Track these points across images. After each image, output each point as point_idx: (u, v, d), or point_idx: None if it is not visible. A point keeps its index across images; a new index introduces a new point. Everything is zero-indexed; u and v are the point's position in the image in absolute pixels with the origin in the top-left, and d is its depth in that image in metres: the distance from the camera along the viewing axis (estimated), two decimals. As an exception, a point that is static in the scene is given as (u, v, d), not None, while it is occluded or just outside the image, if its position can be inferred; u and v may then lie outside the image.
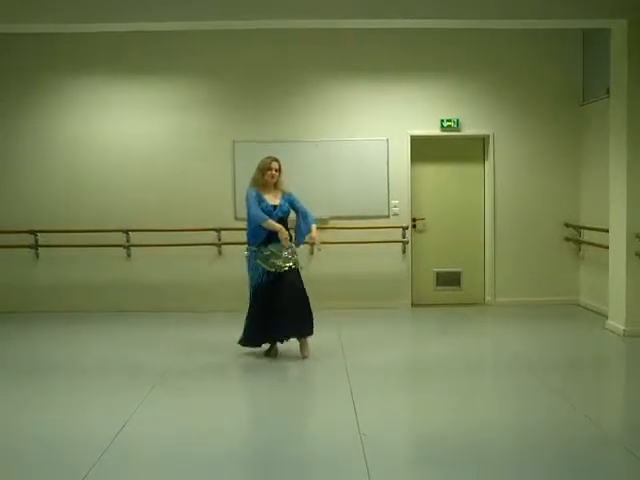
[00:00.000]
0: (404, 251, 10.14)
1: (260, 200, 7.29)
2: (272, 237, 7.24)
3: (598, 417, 5.42)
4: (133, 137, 10.07)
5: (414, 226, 10.29)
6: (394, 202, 10.11)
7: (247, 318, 7.38)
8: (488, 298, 10.35)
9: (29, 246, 9.99)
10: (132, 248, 10.03)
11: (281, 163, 7.42)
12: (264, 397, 6.26)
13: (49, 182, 10.02)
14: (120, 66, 10.01)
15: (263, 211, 7.24)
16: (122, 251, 10.03)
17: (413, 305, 10.23)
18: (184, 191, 10.03)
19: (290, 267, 7.25)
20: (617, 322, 8.25)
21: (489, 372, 7.01)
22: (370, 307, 9.91)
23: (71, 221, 9.88)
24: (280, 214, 7.30)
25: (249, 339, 7.36)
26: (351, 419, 5.38)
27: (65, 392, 6.33)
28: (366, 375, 6.72)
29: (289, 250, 7.28)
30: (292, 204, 7.45)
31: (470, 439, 5.07)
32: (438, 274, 10.43)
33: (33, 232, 9.94)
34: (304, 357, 7.30)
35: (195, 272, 10.05)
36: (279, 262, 7.21)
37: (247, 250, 7.40)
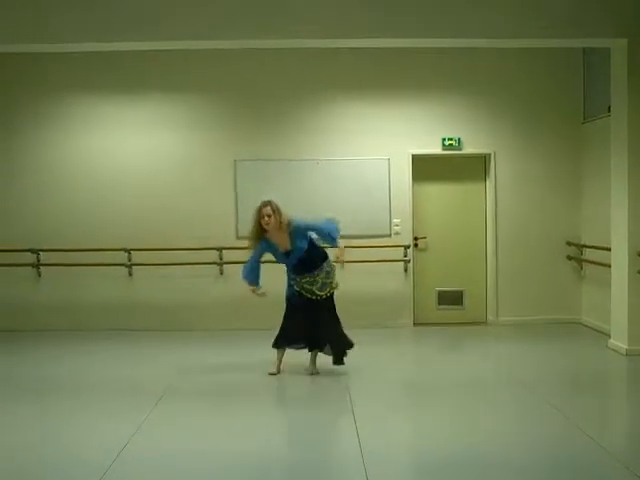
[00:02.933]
0: (406, 270, 10.13)
1: (273, 249, 7.27)
2: (302, 270, 7.24)
3: (600, 436, 5.37)
4: (134, 156, 10.09)
5: (416, 245, 10.28)
6: (395, 221, 10.11)
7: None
8: (490, 317, 10.31)
9: (31, 265, 9.99)
10: (134, 267, 10.03)
11: (275, 205, 7.18)
12: (265, 416, 6.22)
13: (51, 201, 10.05)
14: (121, 84, 10.05)
15: (279, 259, 7.28)
16: (124, 270, 10.03)
17: (415, 324, 10.20)
18: (186, 210, 10.04)
19: (326, 295, 7.27)
20: (620, 341, 8.22)
21: (491, 391, 6.97)
22: (372, 326, 9.87)
23: (73, 240, 9.88)
24: (296, 258, 7.19)
25: (276, 340, 7.41)
26: (353, 438, 5.35)
27: (67, 411, 6.28)
28: (368, 394, 6.70)
29: (328, 271, 7.26)
30: (304, 232, 7.23)
31: (471, 458, 5.04)
32: (440, 293, 10.41)
33: (35, 251, 9.95)
34: (311, 373, 7.38)
35: (196, 291, 10.03)
36: (314, 288, 7.22)
37: None
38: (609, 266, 8.54)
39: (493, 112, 10.14)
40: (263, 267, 7.35)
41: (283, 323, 7.42)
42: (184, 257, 9.84)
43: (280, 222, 7.16)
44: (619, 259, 8.23)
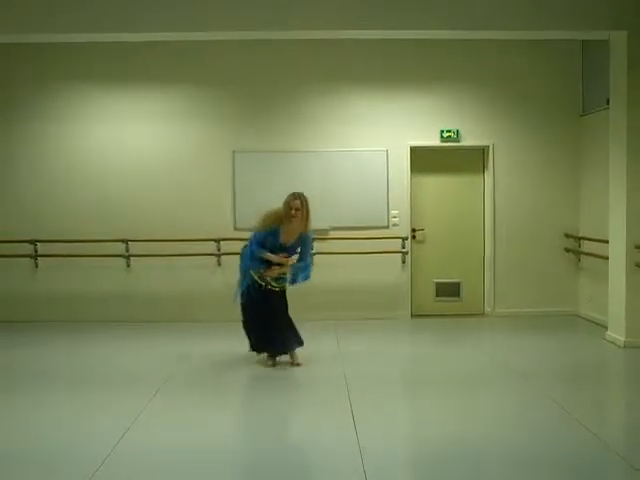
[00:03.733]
0: (404, 262, 10.13)
1: (273, 237, 7.20)
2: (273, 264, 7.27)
3: (598, 428, 5.38)
4: (133, 147, 10.07)
5: (414, 237, 10.28)
6: (394, 212, 10.11)
7: (244, 327, 7.46)
8: (487, 309, 10.32)
9: (29, 256, 9.98)
10: (132, 258, 10.02)
11: (305, 200, 7.18)
12: (263, 409, 6.23)
13: (49, 192, 10.03)
14: (120, 75, 10.03)
15: (267, 246, 7.20)
16: (122, 261, 10.02)
17: (413, 316, 10.21)
18: (184, 201, 10.03)
19: (282, 289, 7.33)
20: (617, 333, 8.24)
21: (488, 383, 6.97)
22: (369, 318, 9.89)
23: (71, 231, 9.88)
24: (292, 252, 7.25)
25: (254, 345, 7.45)
26: (350, 431, 5.36)
27: (64, 402, 6.28)
28: (365, 386, 6.70)
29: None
30: (305, 243, 7.34)
31: (469, 450, 5.05)
32: (438, 285, 10.41)
33: (33, 242, 9.94)
34: (296, 365, 7.40)
35: (195, 282, 10.03)
36: (273, 281, 7.24)
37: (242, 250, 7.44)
38: (607, 258, 8.55)
39: (492, 104, 10.13)
40: None
41: (248, 328, 7.42)
42: (182, 248, 9.83)
43: (306, 220, 7.19)
44: (617, 251, 8.24)
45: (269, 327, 7.24)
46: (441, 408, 6.12)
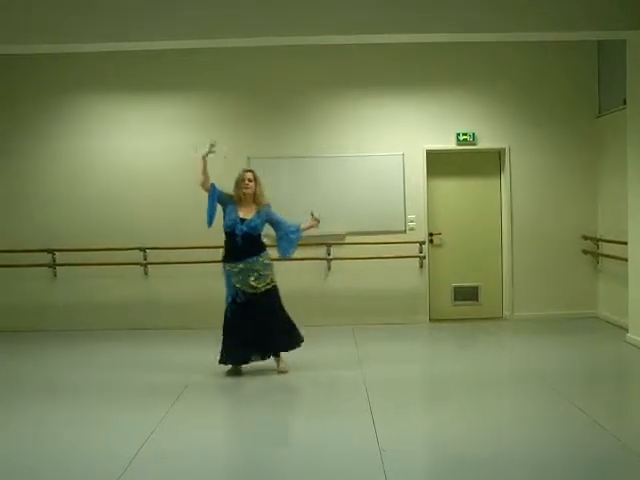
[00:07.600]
0: (421, 266, 10.09)
1: (230, 211, 7.34)
2: (239, 252, 7.26)
3: (619, 432, 5.33)
4: (148, 155, 10.11)
5: (431, 241, 10.25)
6: (410, 217, 10.08)
7: (223, 335, 7.37)
8: (506, 312, 10.26)
9: (46, 265, 10.03)
10: (149, 266, 10.04)
11: (257, 174, 7.45)
12: (282, 413, 6.23)
13: (66, 201, 10.07)
14: (134, 83, 10.08)
15: (227, 223, 7.33)
16: (139, 269, 10.04)
17: (431, 320, 10.17)
18: (200, 208, 9.96)
19: (267, 288, 7.25)
20: (637, 335, 8.16)
21: (508, 387, 6.94)
22: (388, 323, 9.86)
23: (88, 240, 9.92)
24: (245, 229, 7.23)
25: (224, 357, 7.32)
26: (370, 434, 5.34)
27: (83, 411, 6.30)
28: (385, 390, 6.68)
29: (266, 264, 7.30)
30: (269, 219, 7.39)
31: (489, 454, 5.01)
32: (456, 289, 10.37)
33: (50, 251, 9.99)
34: (280, 372, 7.32)
35: (212, 289, 9.93)
36: (254, 281, 7.19)
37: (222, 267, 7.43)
38: (626, 260, 8.48)
39: (508, 106, 10.10)
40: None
41: (225, 337, 7.31)
42: (199, 255, 9.81)
43: (256, 192, 7.35)
44: (636, 253, 8.17)
45: (257, 330, 7.17)
46: (461, 411, 6.10)
